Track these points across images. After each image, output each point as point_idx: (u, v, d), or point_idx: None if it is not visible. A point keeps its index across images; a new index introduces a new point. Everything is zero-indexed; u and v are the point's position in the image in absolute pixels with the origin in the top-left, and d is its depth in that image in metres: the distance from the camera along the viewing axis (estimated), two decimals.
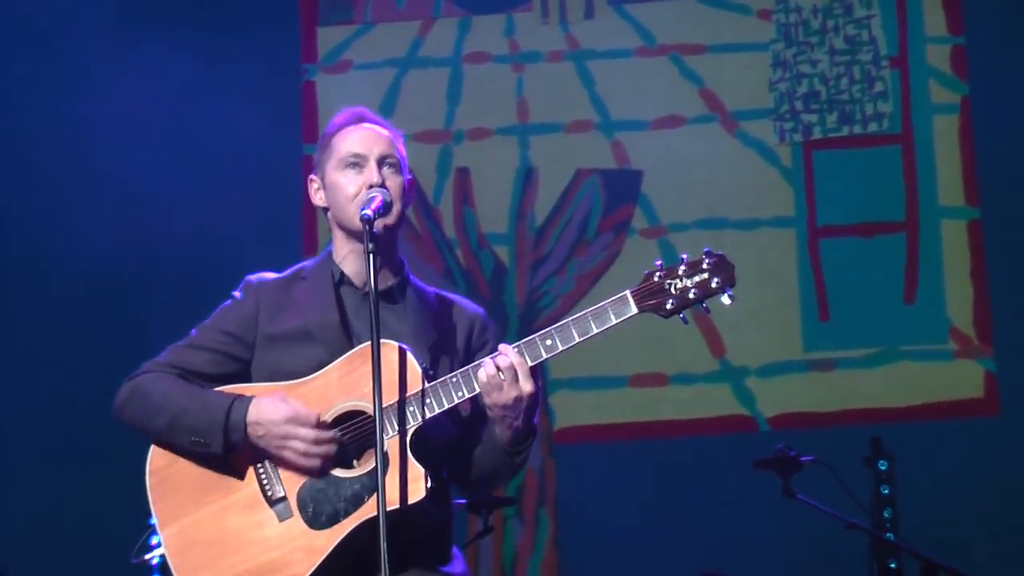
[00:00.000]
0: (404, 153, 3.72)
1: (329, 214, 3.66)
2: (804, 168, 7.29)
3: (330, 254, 3.66)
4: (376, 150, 3.64)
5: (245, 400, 3.45)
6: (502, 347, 3.39)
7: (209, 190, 7.33)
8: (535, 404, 3.40)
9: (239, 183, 7.32)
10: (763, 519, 6.53)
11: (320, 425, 3.39)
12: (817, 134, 7.30)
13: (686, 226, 7.21)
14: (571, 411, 7.05)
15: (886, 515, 6.37)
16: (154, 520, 3.53)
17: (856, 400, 7.08)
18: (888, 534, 6.15)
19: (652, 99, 7.39)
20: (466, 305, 3.74)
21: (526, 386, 3.36)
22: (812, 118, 7.32)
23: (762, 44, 7.37)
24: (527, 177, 7.39)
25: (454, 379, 3.39)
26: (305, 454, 3.39)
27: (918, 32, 7.32)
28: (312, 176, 3.70)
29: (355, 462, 3.44)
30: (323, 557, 3.36)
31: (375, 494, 3.24)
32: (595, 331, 3.39)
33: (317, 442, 3.38)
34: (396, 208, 3.55)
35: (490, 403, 3.37)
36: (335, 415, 3.43)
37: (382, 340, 3.33)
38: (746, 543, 6.71)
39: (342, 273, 3.62)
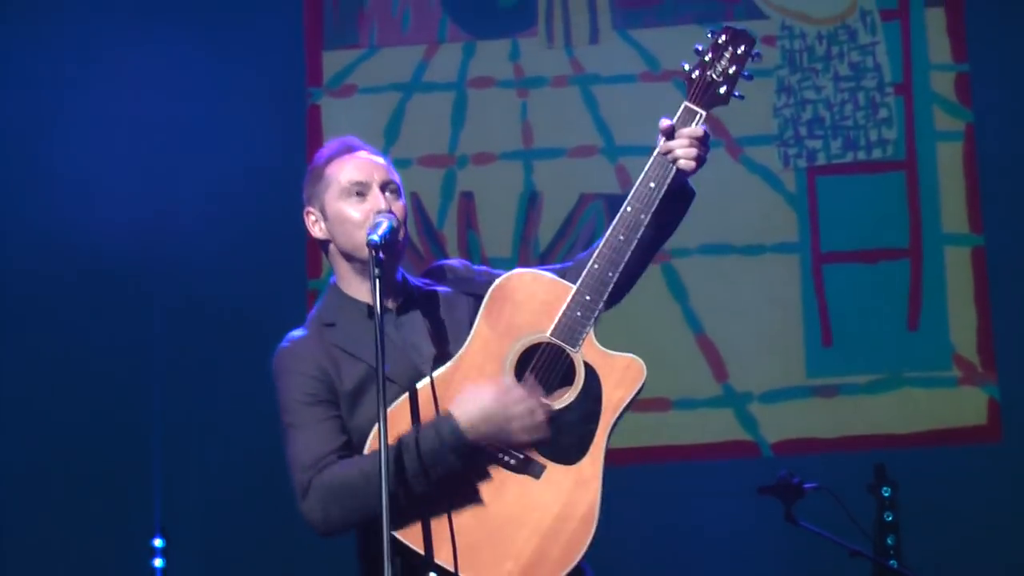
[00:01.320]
0: (399, 179, 3.74)
1: (331, 246, 3.63)
2: (808, 194, 7.25)
3: (337, 289, 3.65)
4: (377, 176, 3.64)
5: (442, 419, 3.39)
6: (684, 106, 3.59)
7: (213, 212, 7.31)
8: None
9: (245, 206, 7.30)
10: (766, 546, 6.50)
11: (519, 385, 3.41)
12: (821, 160, 7.25)
13: (690, 251, 7.21)
14: None
15: (890, 542, 6.33)
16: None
17: (859, 426, 7.04)
18: (892, 561, 6.05)
19: (657, 124, 7.36)
20: (435, 287, 3.74)
21: (696, 131, 3.58)
22: (816, 144, 7.29)
23: (767, 70, 7.23)
24: (531, 201, 7.35)
25: (602, 251, 3.49)
26: (533, 423, 3.39)
27: (922, 59, 7.28)
28: (309, 209, 3.67)
29: (559, 391, 3.45)
30: (600, 479, 3.41)
31: (598, 404, 3.42)
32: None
33: (530, 405, 3.39)
34: (402, 233, 3.56)
35: (691, 173, 3.60)
36: (514, 361, 3.45)
37: (511, 273, 3.54)
38: (748, 570, 6.68)
39: (368, 305, 3.57)
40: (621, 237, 3.48)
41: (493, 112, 7.45)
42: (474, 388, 3.40)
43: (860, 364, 7.12)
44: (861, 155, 7.26)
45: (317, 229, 3.64)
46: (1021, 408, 6.94)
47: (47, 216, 7.37)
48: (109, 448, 7.18)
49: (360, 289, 3.61)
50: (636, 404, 7.26)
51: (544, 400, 3.41)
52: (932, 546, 6.47)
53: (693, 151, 3.54)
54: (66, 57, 7.55)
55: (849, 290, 7.18)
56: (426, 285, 3.73)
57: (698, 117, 3.58)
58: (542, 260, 7.26)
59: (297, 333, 3.63)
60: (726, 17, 7.33)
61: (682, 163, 3.53)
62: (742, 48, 3.57)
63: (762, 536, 6.42)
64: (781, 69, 7.35)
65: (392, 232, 3.47)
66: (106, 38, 7.52)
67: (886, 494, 6.44)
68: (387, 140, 7.40)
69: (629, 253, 3.47)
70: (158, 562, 6.99)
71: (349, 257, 3.60)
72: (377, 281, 3.34)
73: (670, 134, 3.55)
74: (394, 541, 3.27)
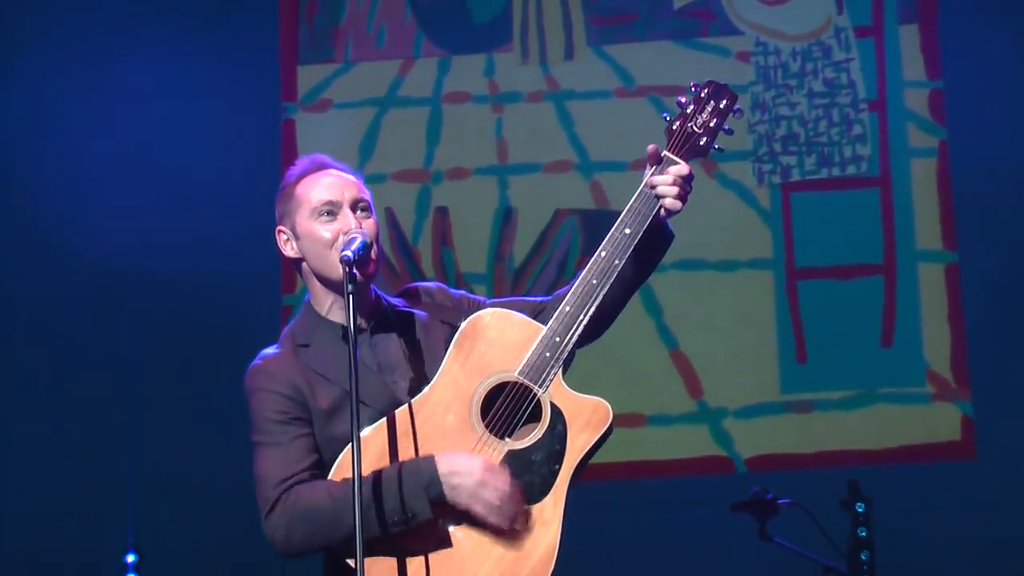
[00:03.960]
0: (370, 196, 3.69)
1: (304, 265, 3.62)
2: (783, 210, 7.30)
3: (311, 309, 3.64)
4: (348, 195, 3.59)
5: (427, 459, 3.40)
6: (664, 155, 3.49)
7: (187, 226, 7.33)
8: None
9: (219, 219, 7.31)
10: (740, 562, 6.52)
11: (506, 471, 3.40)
12: (796, 176, 7.30)
13: (664, 267, 7.10)
14: None
15: (863, 558, 6.32)
16: None
17: (833, 442, 7.09)
18: None
19: (631, 140, 7.25)
20: (413, 311, 3.71)
21: (683, 168, 3.48)
22: (791, 160, 7.33)
23: (741, 86, 7.29)
24: (506, 217, 7.39)
25: (612, 248, 3.47)
26: (499, 506, 3.37)
27: (896, 76, 7.34)
28: (280, 228, 3.63)
29: (526, 429, 3.47)
30: (560, 520, 3.42)
31: (563, 444, 3.42)
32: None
33: (510, 494, 3.38)
34: (374, 250, 3.54)
35: (675, 213, 3.49)
36: (481, 399, 3.45)
37: (480, 313, 3.53)
38: None
39: (342, 326, 3.57)
40: (594, 281, 3.46)
41: (468, 127, 7.52)
42: (466, 456, 3.41)
43: (834, 380, 7.16)
44: (835, 171, 7.33)
45: (289, 248, 3.62)
46: (995, 425, 7.00)
47: (18, 227, 7.40)
48: (82, 465, 7.21)
49: (333, 309, 3.60)
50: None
51: (508, 440, 3.43)
52: (906, 563, 6.56)
53: (676, 189, 3.48)
54: (42, 68, 7.59)
55: (823, 306, 7.22)
56: (402, 305, 3.71)
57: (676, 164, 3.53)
58: (517, 276, 7.33)
59: (270, 351, 3.62)
60: (701, 33, 7.47)
61: (668, 202, 3.48)
62: (724, 103, 3.55)
63: (736, 552, 6.44)
64: (756, 85, 7.40)
65: (366, 248, 3.46)
66: (79, 51, 7.55)
67: (860, 510, 6.42)
68: (362, 155, 7.40)
69: (602, 296, 3.45)
70: None
71: (321, 277, 3.59)
72: (351, 298, 3.33)
73: (657, 157, 3.50)
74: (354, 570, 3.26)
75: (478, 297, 3.74)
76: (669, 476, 7.09)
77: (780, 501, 5.58)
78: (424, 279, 7.25)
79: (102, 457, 7.20)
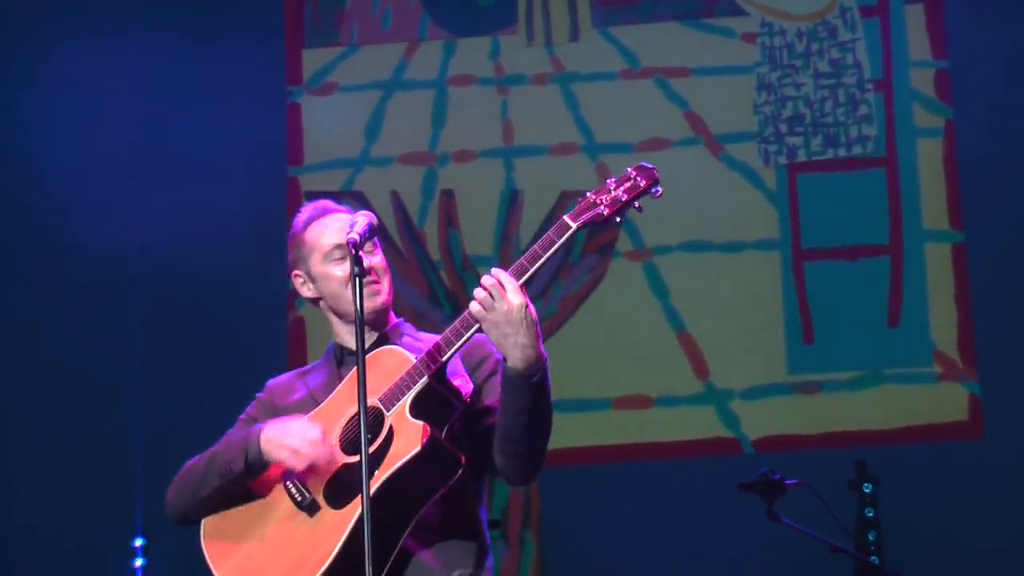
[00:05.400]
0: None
1: (321, 304, 3.81)
2: (789, 191, 7.36)
3: (332, 342, 3.86)
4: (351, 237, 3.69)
5: (255, 432, 3.64)
6: (493, 270, 3.45)
7: (193, 207, 7.38)
8: (532, 320, 3.42)
9: (224, 200, 7.39)
10: (747, 542, 6.57)
11: (313, 428, 3.58)
12: (802, 157, 7.38)
13: (671, 248, 7.25)
14: (555, 433, 6.96)
15: (870, 538, 6.43)
16: (209, 561, 3.69)
17: (840, 423, 7.13)
18: (872, 557, 6.22)
19: (637, 122, 7.47)
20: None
21: (515, 298, 3.37)
22: (797, 141, 7.39)
23: (747, 67, 7.45)
24: (512, 199, 7.44)
25: (447, 335, 3.51)
26: (298, 449, 3.55)
27: (902, 55, 7.40)
28: (296, 272, 3.83)
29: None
30: (348, 529, 3.49)
31: (382, 460, 3.48)
32: (544, 256, 3.42)
33: (312, 449, 3.55)
34: (386, 284, 3.75)
35: (487, 327, 3.41)
36: (350, 416, 3.60)
37: (382, 348, 3.63)
38: (730, 567, 6.79)
39: (342, 348, 3.82)
40: (452, 337, 3.52)
41: (473, 110, 7.59)
42: (292, 420, 3.65)
43: (841, 361, 7.20)
44: (841, 152, 7.39)
45: (306, 289, 3.82)
46: (1001, 403, 7.05)
47: (30, 224, 7.46)
48: (94, 453, 7.30)
49: (348, 336, 3.79)
50: (620, 401, 7.20)
51: (322, 449, 3.58)
52: (913, 542, 6.57)
53: (482, 294, 3.41)
54: (45, 60, 7.62)
55: (830, 287, 7.28)
56: (418, 339, 3.81)
57: (569, 232, 3.45)
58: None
59: (281, 377, 3.93)
60: (706, 14, 7.56)
61: (472, 304, 3.44)
62: (643, 182, 3.46)
63: (743, 533, 6.46)
64: (761, 66, 7.48)
65: (371, 229, 3.54)
66: (81, 40, 7.58)
67: (867, 490, 6.56)
68: (367, 138, 7.44)
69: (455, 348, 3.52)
70: (139, 562, 7.04)
71: (338, 312, 3.78)
72: (358, 280, 3.43)
73: (560, 223, 3.49)
74: None
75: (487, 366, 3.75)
76: (676, 457, 7.13)
77: (787, 482, 5.60)
78: (431, 262, 7.29)
79: (113, 445, 7.26)
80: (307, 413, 3.68)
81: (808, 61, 7.44)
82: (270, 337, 7.29)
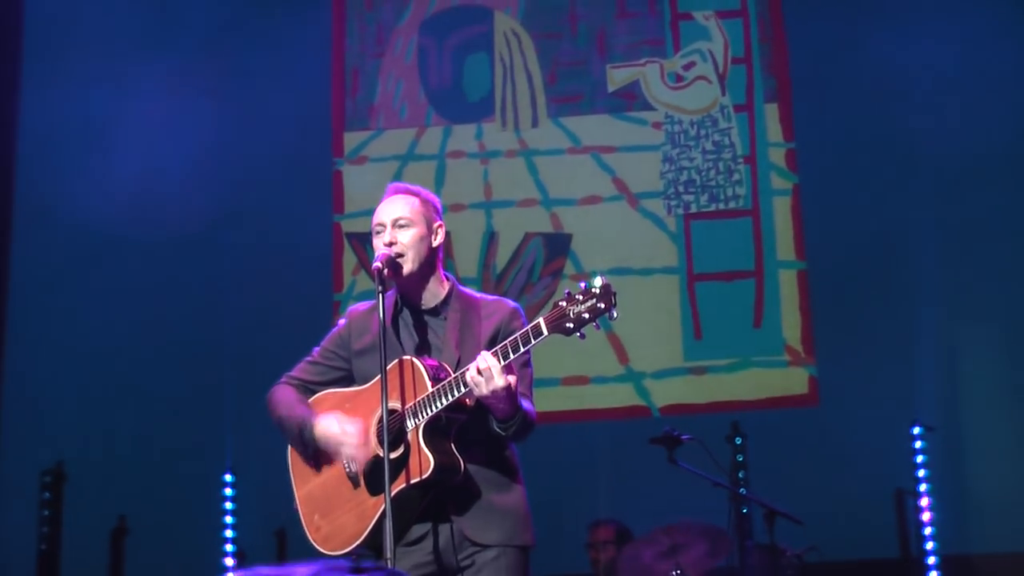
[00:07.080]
0: (418, 208, 3.56)
1: None
2: (685, 233, 7.30)
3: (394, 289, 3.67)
4: (391, 216, 3.53)
5: (310, 422, 3.50)
6: (482, 354, 3.30)
7: (262, 245, 7.32)
8: (512, 393, 3.30)
9: (287, 240, 7.32)
10: (655, 480, 6.12)
11: (360, 434, 3.42)
12: (694, 209, 7.30)
13: (603, 272, 7.10)
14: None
15: (740, 476, 6.40)
16: (292, 480, 3.59)
17: (721, 395, 7.07)
18: (741, 489, 6.06)
19: (579, 184, 7.40)
20: (496, 303, 3.58)
21: (499, 381, 3.25)
22: (690, 198, 7.32)
23: (655, 146, 7.38)
24: (490, 238, 7.38)
25: (454, 381, 3.33)
26: (351, 456, 3.44)
27: (763, 138, 7.32)
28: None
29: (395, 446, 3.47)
30: (374, 520, 3.38)
31: (401, 469, 3.33)
32: (523, 348, 3.30)
33: (356, 446, 3.42)
34: (410, 255, 3.47)
35: (479, 395, 3.29)
36: (379, 416, 3.39)
37: (402, 357, 3.43)
38: (641, 498, 6.54)
39: (400, 298, 3.57)
40: (443, 401, 3.33)
41: (464, 175, 7.53)
42: (339, 419, 3.46)
43: (721, 351, 7.16)
44: (721, 206, 7.34)
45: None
46: (831, 381, 7.07)
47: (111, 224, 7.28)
48: (193, 402, 7.11)
49: (405, 292, 3.63)
50: (566, 379, 7.00)
51: (367, 454, 3.41)
52: (771, 479, 6.52)
53: (477, 377, 3.25)
54: (109, 102, 7.42)
55: (713, 300, 7.25)
56: (480, 296, 3.61)
57: (542, 336, 3.27)
58: (498, 279, 7.37)
59: (363, 304, 3.68)
60: (627, 109, 7.50)
61: (469, 377, 3.28)
62: (602, 305, 3.22)
63: (652, 473, 6.00)
64: (665, 146, 7.46)
65: (388, 261, 3.42)
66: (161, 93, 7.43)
67: (738, 443, 6.56)
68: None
69: (449, 401, 3.33)
70: (228, 490, 6.82)
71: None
72: (380, 296, 3.37)
73: (535, 326, 3.28)
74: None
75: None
76: (605, 420, 7.12)
77: (683, 437, 5.37)
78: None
79: (209, 398, 7.06)
80: (357, 382, 3.47)
81: (699, 142, 7.34)
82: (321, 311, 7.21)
